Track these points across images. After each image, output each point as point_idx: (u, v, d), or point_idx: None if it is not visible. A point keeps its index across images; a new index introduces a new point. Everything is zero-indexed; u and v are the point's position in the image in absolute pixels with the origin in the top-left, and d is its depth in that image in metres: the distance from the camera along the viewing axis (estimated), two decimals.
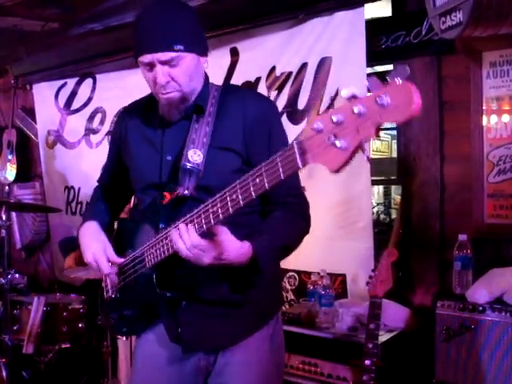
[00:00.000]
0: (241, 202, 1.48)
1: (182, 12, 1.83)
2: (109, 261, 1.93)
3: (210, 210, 1.57)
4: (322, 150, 1.24)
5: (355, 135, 1.19)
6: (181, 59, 1.77)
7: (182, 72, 1.78)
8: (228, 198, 1.51)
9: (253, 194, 1.44)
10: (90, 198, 2.32)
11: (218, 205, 1.54)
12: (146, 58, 1.77)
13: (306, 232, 1.94)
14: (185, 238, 1.62)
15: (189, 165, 1.81)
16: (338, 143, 1.21)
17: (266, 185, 1.40)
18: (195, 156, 1.81)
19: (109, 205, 2.21)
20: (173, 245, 1.68)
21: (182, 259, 1.69)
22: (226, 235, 1.62)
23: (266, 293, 1.93)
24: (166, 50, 1.75)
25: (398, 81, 1.14)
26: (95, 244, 1.96)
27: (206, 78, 1.96)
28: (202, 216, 1.60)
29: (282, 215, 1.85)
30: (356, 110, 1.18)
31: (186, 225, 1.63)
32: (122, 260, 1.96)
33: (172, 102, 1.84)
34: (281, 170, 1.34)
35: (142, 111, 2.02)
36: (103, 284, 2.14)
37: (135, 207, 2.22)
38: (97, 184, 2.32)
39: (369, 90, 1.19)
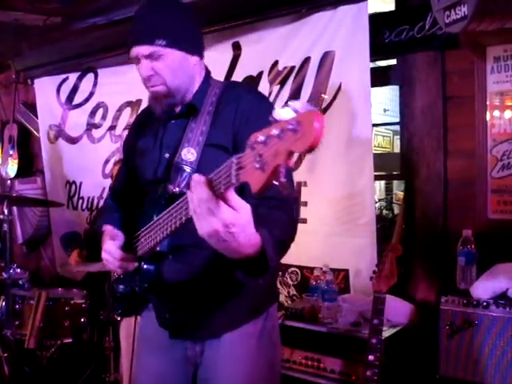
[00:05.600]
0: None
1: (170, 9, 1.88)
2: (114, 245, 1.91)
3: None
4: (250, 168, 1.19)
5: (273, 159, 1.14)
6: (163, 54, 1.82)
7: (164, 66, 1.84)
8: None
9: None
10: (102, 208, 2.35)
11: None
12: (132, 51, 1.86)
13: (294, 228, 1.80)
14: (197, 189, 1.36)
15: (182, 163, 1.85)
16: (259, 164, 1.17)
17: (216, 192, 1.33)
18: (188, 154, 1.85)
19: (122, 209, 2.21)
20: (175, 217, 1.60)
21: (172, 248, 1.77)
22: (242, 203, 1.37)
23: (255, 288, 1.85)
24: (146, 44, 1.82)
25: (309, 109, 1.11)
26: (106, 242, 1.96)
27: (207, 76, 2.00)
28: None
29: (268, 211, 1.68)
30: (275, 132, 1.13)
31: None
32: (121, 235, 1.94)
33: (156, 95, 1.90)
34: (222, 182, 1.30)
35: (151, 112, 2.05)
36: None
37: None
38: (108, 193, 2.38)
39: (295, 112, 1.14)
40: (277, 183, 1.16)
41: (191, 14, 1.94)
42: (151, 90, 1.90)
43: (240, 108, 1.85)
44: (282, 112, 1.14)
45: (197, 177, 1.36)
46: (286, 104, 1.19)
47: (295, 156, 1.19)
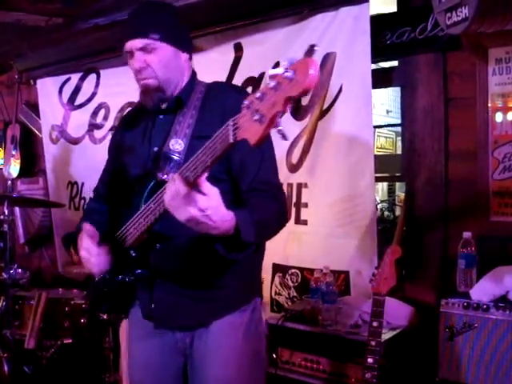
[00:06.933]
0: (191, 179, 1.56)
1: (163, 8, 2.03)
2: (93, 240, 1.98)
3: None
4: (248, 125, 1.36)
5: (270, 109, 1.30)
6: (156, 47, 1.93)
7: (157, 59, 1.94)
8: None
9: (199, 170, 1.54)
10: (83, 213, 2.39)
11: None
12: (126, 45, 1.96)
13: (283, 216, 1.96)
14: (170, 185, 1.61)
15: (170, 153, 1.93)
16: (256, 117, 1.32)
17: (208, 161, 1.50)
18: (176, 145, 1.95)
19: (104, 211, 2.27)
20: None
21: (159, 238, 1.89)
22: (211, 188, 1.58)
23: (238, 278, 2.01)
24: (140, 37, 1.92)
25: (304, 57, 1.26)
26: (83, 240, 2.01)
27: (193, 75, 2.11)
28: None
29: (254, 200, 1.89)
30: (271, 85, 1.29)
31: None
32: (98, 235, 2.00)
33: (148, 88, 1.98)
34: (218, 146, 1.47)
35: (138, 111, 2.18)
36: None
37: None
38: (91, 196, 2.47)
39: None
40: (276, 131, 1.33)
41: (178, 14, 2.07)
42: (142, 83, 1.98)
43: (228, 103, 1.92)
44: (276, 70, 1.30)
45: (173, 174, 1.60)
46: (277, 64, 1.43)
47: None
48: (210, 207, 1.56)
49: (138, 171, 2.07)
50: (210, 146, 1.49)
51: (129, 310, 2.18)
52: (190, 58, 2.09)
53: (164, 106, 2.05)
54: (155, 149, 2.03)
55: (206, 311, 2.01)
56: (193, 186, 1.55)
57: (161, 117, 2.07)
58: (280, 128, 1.32)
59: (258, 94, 1.32)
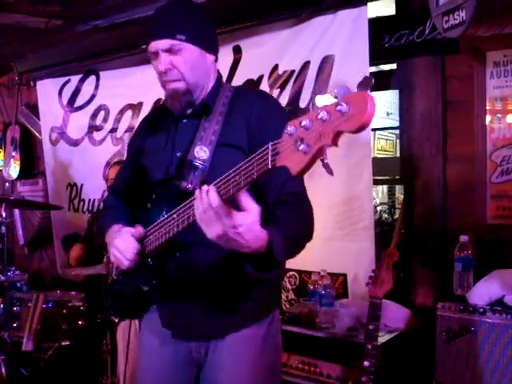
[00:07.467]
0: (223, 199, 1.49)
1: (190, 7, 1.93)
2: (133, 236, 1.89)
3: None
4: (289, 152, 1.28)
5: (317, 140, 1.22)
6: (182, 48, 1.84)
7: (183, 61, 1.85)
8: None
9: (231, 191, 1.47)
10: (104, 208, 2.32)
11: None
12: (151, 46, 1.87)
13: (310, 229, 1.86)
14: (202, 197, 1.51)
15: (194, 160, 1.85)
16: (301, 147, 1.25)
17: (242, 183, 1.42)
18: (201, 152, 1.85)
19: (127, 208, 2.20)
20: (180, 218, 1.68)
21: (179, 246, 1.80)
22: (252, 204, 1.49)
23: (261, 291, 1.91)
24: (167, 38, 1.83)
25: (360, 90, 1.21)
26: (117, 239, 1.93)
27: (219, 78, 2.02)
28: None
29: (282, 213, 1.77)
30: (320, 115, 1.21)
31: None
32: (141, 230, 1.91)
33: (175, 93, 1.90)
34: (255, 169, 1.38)
35: (161, 114, 2.08)
36: (111, 270, 2.16)
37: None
38: (108, 193, 2.36)
39: (336, 97, 1.22)
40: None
41: (208, 16, 1.97)
42: (170, 87, 1.90)
43: (254, 110, 1.87)
44: (324, 98, 1.25)
45: (206, 186, 1.50)
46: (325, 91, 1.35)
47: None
48: (244, 224, 1.48)
49: (159, 176, 1.99)
50: (245, 167, 1.41)
51: (142, 315, 2.11)
52: (216, 60, 2.00)
53: (189, 111, 1.97)
54: (178, 154, 1.94)
55: (224, 323, 1.93)
56: (226, 200, 1.48)
57: (184, 121, 1.98)
58: (326, 161, 1.25)
59: (303, 122, 1.25)
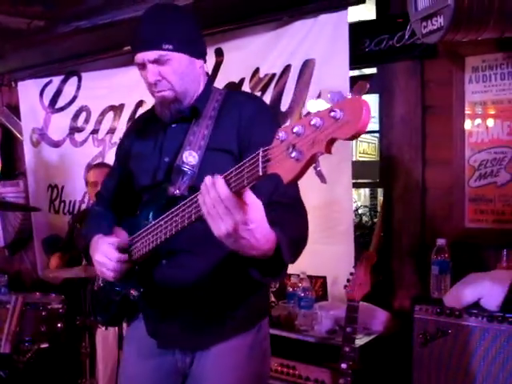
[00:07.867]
0: None
1: (174, 14, 1.87)
2: (113, 245, 1.85)
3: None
4: (281, 159, 1.23)
5: (310, 148, 1.17)
6: (170, 58, 1.80)
7: (172, 71, 1.82)
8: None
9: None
10: (88, 217, 2.26)
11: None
12: (137, 58, 1.82)
13: (307, 233, 1.77)
14: (209, 190, 1.38)
15: (183, 166, 1.82)
16: (293, 154, 1.19)
17: (232, 190, 1.35)
18: (190, 157, 1.82)
19: (113, 215, 2.15)
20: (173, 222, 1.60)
21: (165, 253, 1.77)
22: (255, 199, 1.39)
23: (250, 299, 1.89)
24: (154, 49, 1.79)
25: (354, 96, 1.13)
26: (102, 245, 1.89)
27: (209, 82, 1.98)
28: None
29: (277, 214, 1.62)
30: (313, 121, 1.16)
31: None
32: (124, 238, 1.89)
33: (164, 101, 1.87)
34: (245, 176, 1.32)
35: (149, 118, 2.05)
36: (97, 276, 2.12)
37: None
38: (94, 200, 2.32)
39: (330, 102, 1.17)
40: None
41: (193, 18, 1.93)
42: (159, 95, 1.86)
43: (244, 114, 1.84)
44: (316, 103, 1.19)
45: (211, 178, 1.38)
46: (318, 96, 1.27)
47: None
48: (255, 220, 1.38)
49: (146, 181, 1.96)
50: (235, 173, 1.34)
51: (129, 323, 2.08)
52: (205, 62, 1.96)
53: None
54: (166, 159, 1.91)
55: (211, 333, 1.88)
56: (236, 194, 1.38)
57: (173, 125, 1.94)
58: (319, 169, 1.20)
59: (295, 128, 1.19)
